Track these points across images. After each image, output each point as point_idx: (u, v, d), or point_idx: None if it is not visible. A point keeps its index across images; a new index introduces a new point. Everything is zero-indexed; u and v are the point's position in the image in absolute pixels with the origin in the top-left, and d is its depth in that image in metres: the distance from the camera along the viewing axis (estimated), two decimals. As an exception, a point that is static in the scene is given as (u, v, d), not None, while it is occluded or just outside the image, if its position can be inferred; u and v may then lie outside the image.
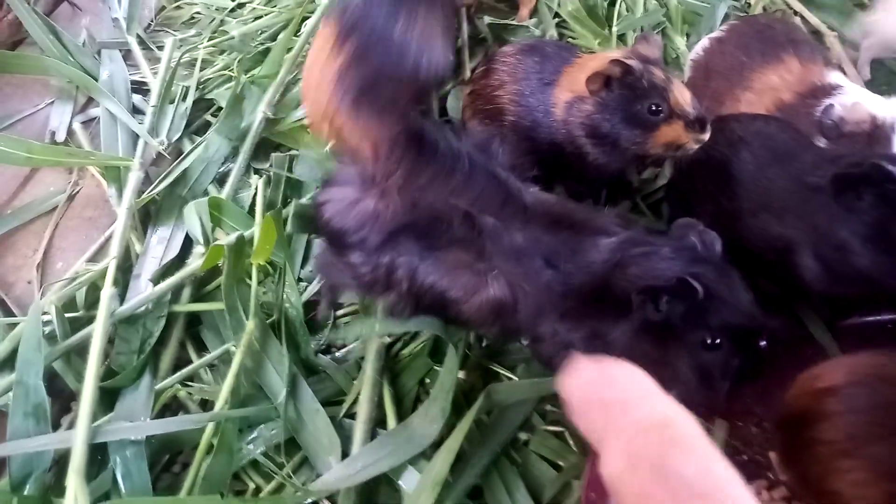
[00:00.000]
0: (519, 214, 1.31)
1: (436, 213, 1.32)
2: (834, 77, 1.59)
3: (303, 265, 1.68)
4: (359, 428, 1.39)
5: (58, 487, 1.29)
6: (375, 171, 1.29)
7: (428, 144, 1.25)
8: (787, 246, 1.36)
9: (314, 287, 1.63)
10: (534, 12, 2.24)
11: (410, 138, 1.24)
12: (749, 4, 2.25)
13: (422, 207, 1.32)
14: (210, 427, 1.35)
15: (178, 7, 2.47)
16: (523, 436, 1.39)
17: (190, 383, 1.50)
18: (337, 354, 1.56)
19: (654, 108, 1.44)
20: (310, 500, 1.30)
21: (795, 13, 2.17)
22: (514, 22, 2.23)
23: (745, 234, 1.44)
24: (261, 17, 2.32)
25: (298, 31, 2.17)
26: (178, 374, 1.47)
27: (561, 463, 1.35)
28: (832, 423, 1.10)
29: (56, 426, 1.42)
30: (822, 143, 1.51)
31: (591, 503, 1.22)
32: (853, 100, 1.50)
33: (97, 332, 1.43)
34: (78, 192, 1.94)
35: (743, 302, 1.22)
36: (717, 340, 1.20)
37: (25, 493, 1.27)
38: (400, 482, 1.31)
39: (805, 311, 1.48)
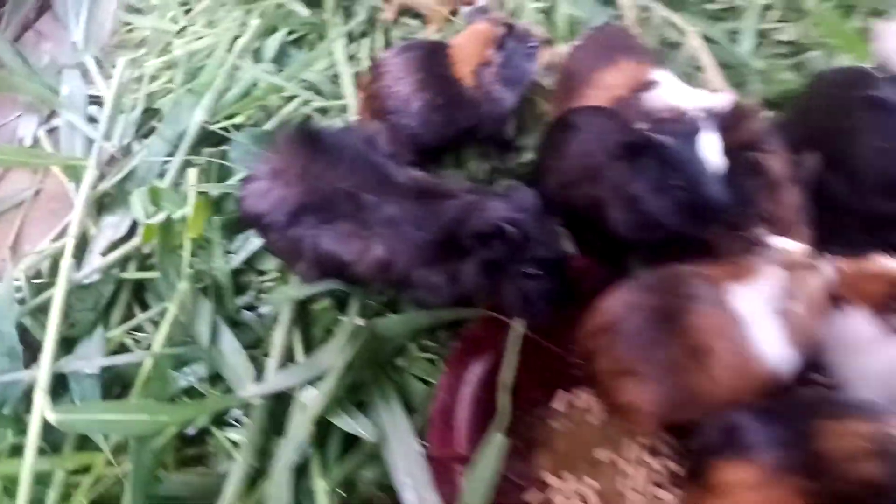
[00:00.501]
0: (393, 191, 1.68)
1: (327, 194, 1.68)
2: (657, 75, 1.96)
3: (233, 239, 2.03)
4: (271, 362, 1.74)
5: (27, 411, 1.63)
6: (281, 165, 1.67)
7: (320, 142, 1.64)
8: (600, 204, 1.73)
9: (242, 256, 1.98)
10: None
11: (305, 138, 1.64)
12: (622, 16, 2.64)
13: (317, 191, 1.68)
14: (150, 363, 1.70)
15: (130, 31, 2.83)
16: (401, 361, 1.74)
17: (135, 332, 1.85)
18: (259, 311, 1.91)
19: (531, 45, 1.97)
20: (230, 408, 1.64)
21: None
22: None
23: (576, 200, 1.81)
24: (202, 38, 2.68)
25: (230, 48, 2.53)
26: (125, 325, 1.82)
27: (431, 380, 1.71)
28: (607, 354, 1.47)
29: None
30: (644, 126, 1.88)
31: (444, 403, 1.59)
32: (664, 93, 1.88)
33: (58, 293, 1.78)
34: (43, 188, 2.29)
35: (553, 240, 1.60)
36: (535, 271, 1.57)
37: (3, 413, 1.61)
38: (301, 397, 1.66)
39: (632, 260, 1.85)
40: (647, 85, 1.91)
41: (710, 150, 1.61)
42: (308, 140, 1.70)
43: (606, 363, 1.48)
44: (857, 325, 1.45)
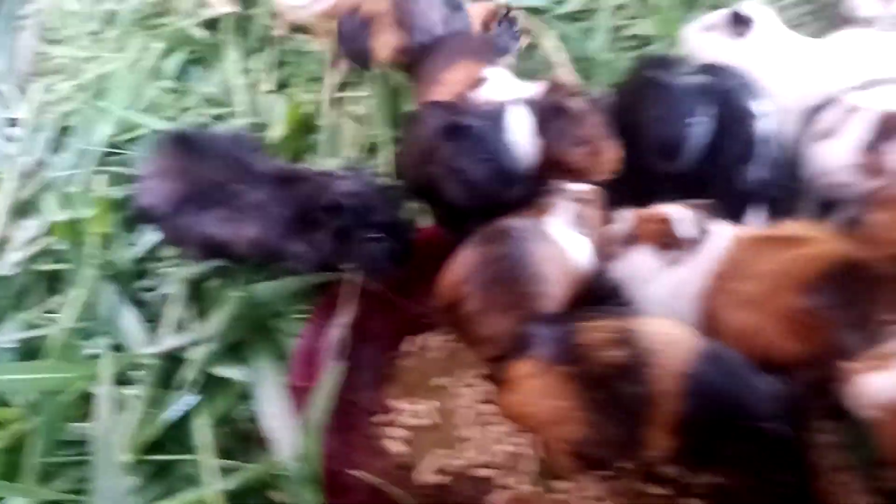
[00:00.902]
0: (257, 180, 2.00)
1: (204, 186, 1.99)
2: (489, 72, 2.25)
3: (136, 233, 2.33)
4: (165, 329, 2.05)
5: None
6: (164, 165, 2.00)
7: (194, 143, 1.98)
8: (437, 180, 2.07)
9: (143, 247, 2.29)
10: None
11: (181, 141, 1.97)
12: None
13: (195, 184, 2.00)
14: (60, 334, 2.00)
15: (46, 60, 3.12)
16: (281, 323, 2.06)
17: (49, 314, 2.14)
18: (160, 292, 2.21)
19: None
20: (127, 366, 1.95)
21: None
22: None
23: (421, 179, 2.15)
24: (109, 62, 2.99)
25: (134, 69, 2.85)
26: (40, 306, 2.12)
27: (304, 335, 2.03)
28: (468, 300, 1.78)
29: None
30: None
31: (307, 344, 1.91)
32: (491, 87, 2.21)
33: (-22, 284, 2.08)
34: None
35: (389, 208, 1.94)
36: (377, 235, 1.91)
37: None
38: (188, 354, 1.97)
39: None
40: (480, 81, 2.25)
41: (517, 128, 1.99)
42: (184, 142, 2.03)
43: (469, 306, 1.78)
44: (644, 259, 1.81)
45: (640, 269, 1.82)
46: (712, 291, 1.75)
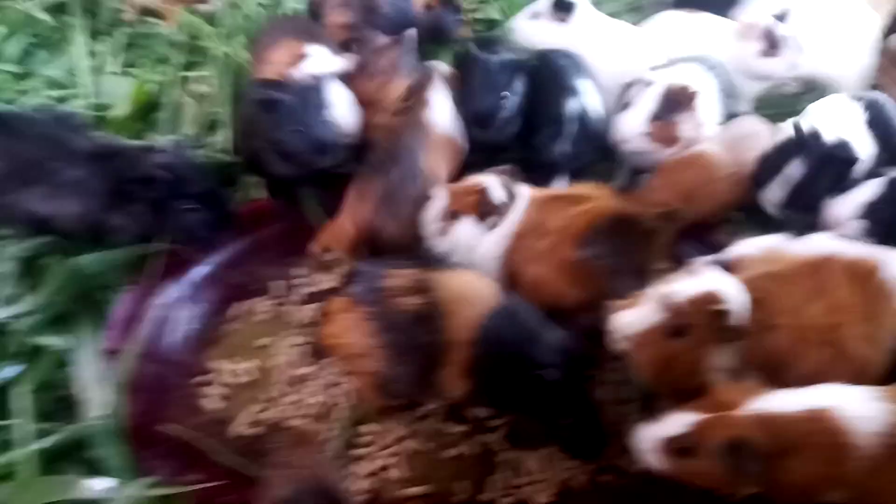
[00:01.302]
0: (75, 157, 2.03)
1: (24, 165, 2.02)
2: (309, 49, 2.30)
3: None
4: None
5: None
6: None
7: (9, 124, 2.03)
8: (261, 152, 2.16)
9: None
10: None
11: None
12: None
13: (15, 163, 2.02)
14: None
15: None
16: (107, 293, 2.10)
17: None
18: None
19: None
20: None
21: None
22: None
23: (250, 152, 2.24)
24: None
25: None
26: None
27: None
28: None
29: None
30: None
31: (127, 310, 1.97)
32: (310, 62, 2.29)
33: None
34: None
35: (203, 179, 2.02)
36: (193, 206, 1.99)
37: None
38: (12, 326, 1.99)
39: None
40: (301, 57, 2.32)
41: (330, 100, 2.10)
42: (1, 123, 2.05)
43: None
44: (467, 230, 1.93)
45: (464, 239, 1.93)
46: (512, 249, 1.91)
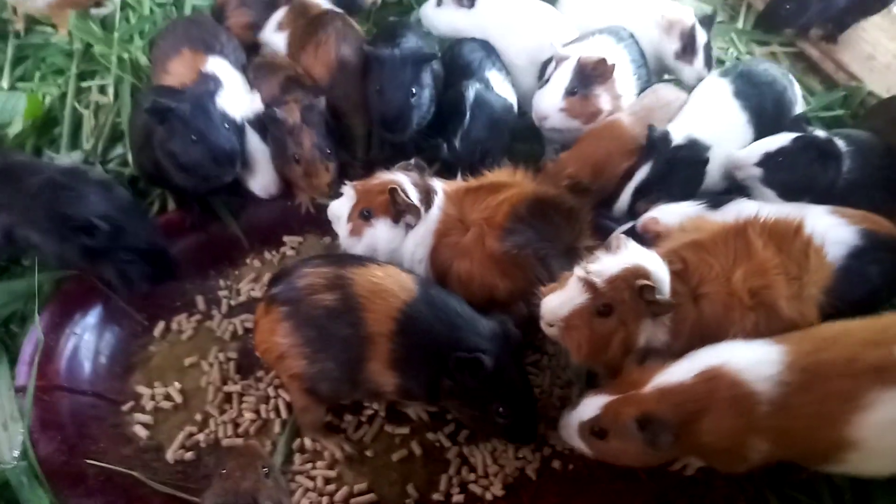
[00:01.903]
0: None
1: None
2: (211, 64, 2.23)
3: None
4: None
5: None
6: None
7: None
8: (158, 163, 2.04)
9: None
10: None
11: None
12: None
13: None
14: None
15: None
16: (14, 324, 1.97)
17: None
18: None
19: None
20: None
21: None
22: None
23: (145, 166, 2.13)
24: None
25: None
26: None
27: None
28: None
29: None
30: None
31: (45, 342, 1.84)
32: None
33: None
34: None
35: (147, 232, 1.91)
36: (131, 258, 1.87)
37: None
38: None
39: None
40: (201, 74, 2.19)
41: (228, 108, 2.03)
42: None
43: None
44: (382, 232, 1.84)
45: (380, 242, 1.85)
46: (436, 249, 1.85)
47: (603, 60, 2.14)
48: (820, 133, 1.97)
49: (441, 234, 1.84)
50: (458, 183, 1.91)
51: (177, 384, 1.88)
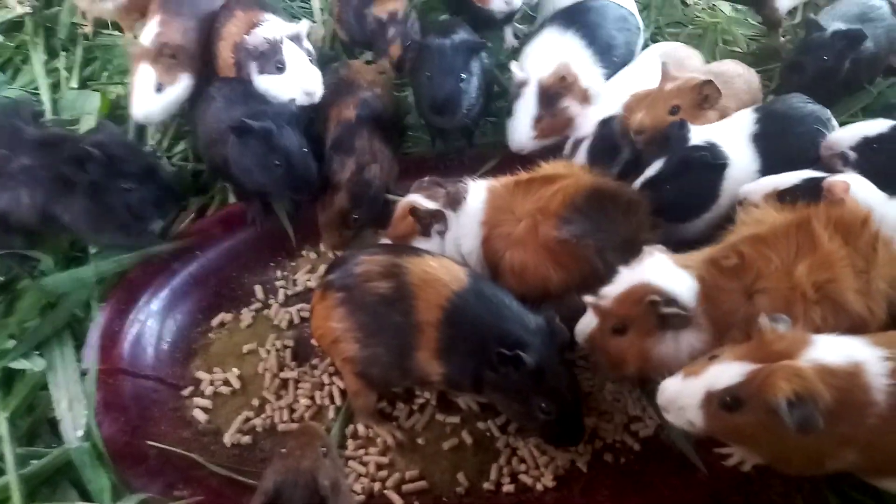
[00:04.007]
0: (23, 145, 2.00)
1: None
2: (263, 17, 2.30)
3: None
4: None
5: None
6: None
7: None
8: (228, 164, 2.11)
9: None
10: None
11: None
12: None
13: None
14: None
15: None
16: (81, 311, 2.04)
17: None
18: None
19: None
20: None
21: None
22: None
23: (216, 158, 2.18)
24: None
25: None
26: None
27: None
28: None
29: None
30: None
31: (108, 327, 1.92)
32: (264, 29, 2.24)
33: None
34: None
35: (140, 157, 2.04)
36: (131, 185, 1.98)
37: None
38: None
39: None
40: (255, 24, 2.27)
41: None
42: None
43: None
44: (424, 244, 1.86)
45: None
46: (486, 241, 1.86)
47: (562, 78, 2.13)
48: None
49: (491, 226, 1.84)
50: (507, 178, 1.91)
51: (235, 370, 1.92)
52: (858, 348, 1.36)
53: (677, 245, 1.70)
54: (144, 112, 2.24)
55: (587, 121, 2.16)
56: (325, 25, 2.89)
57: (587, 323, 1.63)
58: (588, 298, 1.61)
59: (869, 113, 2.32)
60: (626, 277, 1.57)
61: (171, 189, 2.04)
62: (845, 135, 1.89)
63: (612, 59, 2.29)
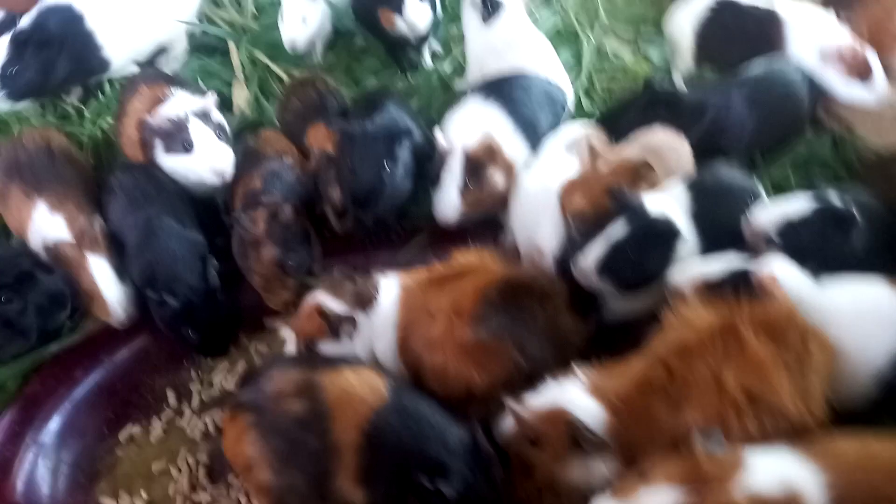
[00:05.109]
0: None
1: None
2: (171, 90, 2.18)
3: None
4: None
5: None
6: None
7: None
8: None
9: None
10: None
11: None
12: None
13: None
14: None
15: None
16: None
17: None
18: None
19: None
20: None
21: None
22: None
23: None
24: None
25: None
26: None
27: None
28: None
29: None
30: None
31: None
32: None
33: None
34: None
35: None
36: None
37: None
38: None
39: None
40: (160, 100, 2.16)
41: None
42: None
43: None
44: (330, 348, 1.74)
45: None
46: (401, 343, 1.76)
47: (488, 147, 2.04)
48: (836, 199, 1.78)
49: (406, 328, 1.74)
50: (419, 273, 1.80)
51: (143, 494, 1.78)
52: (797, 471, 1.29)
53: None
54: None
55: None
56: (250, 82, 2.71)
57: (503, 427, 1.56)
58: (510, 403, 1.51)
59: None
60: (545, 396, 1.51)
61: (55, 294, 1.88)
62: (769, 218, 1.82)
63: (537, 135, 2.19)
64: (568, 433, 1.44)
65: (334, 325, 1.72)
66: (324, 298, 1.74)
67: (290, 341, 1.79)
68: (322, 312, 1.71)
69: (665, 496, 1.27)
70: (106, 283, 1.94)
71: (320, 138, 2.17)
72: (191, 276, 1.92)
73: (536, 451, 1.49)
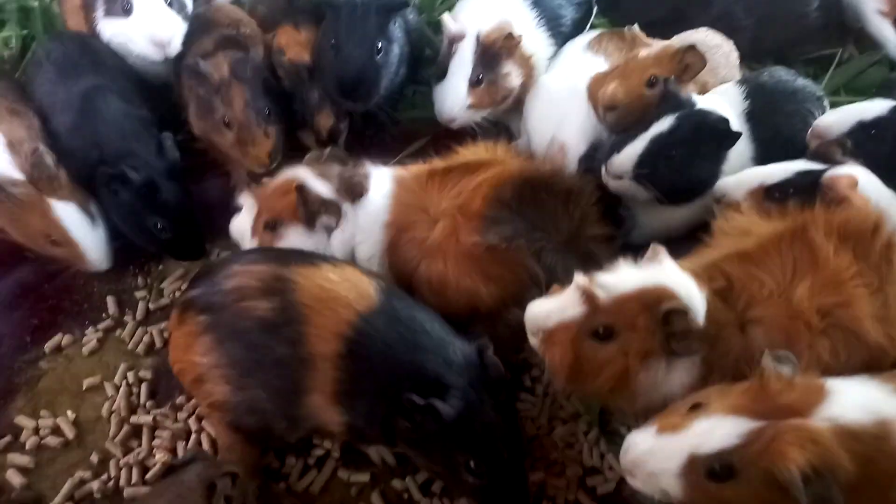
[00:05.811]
0: None
1: None
2: None
3: None
4: None
5: None
6: None
7: None
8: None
9: None
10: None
11: None
12: None
13: None
14: None
15: None
16: None
17: None
18: None
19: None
20: None
21: None
22: None
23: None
24: None
25: None
26: None
27: None
28: None
29: None
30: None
31: None
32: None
33: None
34: None
35: None
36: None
37: None
38: None
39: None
40: None
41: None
42: None
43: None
44: (299, 240, 1.44)
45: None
46: (391, 246, 1.47)
47: (509, 35, 1.71)
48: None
49: (399, 228, 1.45)
50: (419, 166, 1.51)
51: (70, 413, 1.49)
52: (886, 401, 1.06)
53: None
54: None
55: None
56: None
57: (558, 309, 1.18)
58: (580, 279, 1.18)
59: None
60: (637, 275, 1.17)
61: None
62: (838, 119, 1.55)
63: (559, 29, 1.88)
64: (663, 323, 1.12)
65: (312, 210, 1.41)
66: (306, 175, 1.44)
67: (246, 213, 1.49)
68: (302, 190, 1.40)
69: (727, 430, 1.03)
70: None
71: (293, 44, 1.82)
72: (146, 150, 1.60)
73: (603, 348, 1.16)
